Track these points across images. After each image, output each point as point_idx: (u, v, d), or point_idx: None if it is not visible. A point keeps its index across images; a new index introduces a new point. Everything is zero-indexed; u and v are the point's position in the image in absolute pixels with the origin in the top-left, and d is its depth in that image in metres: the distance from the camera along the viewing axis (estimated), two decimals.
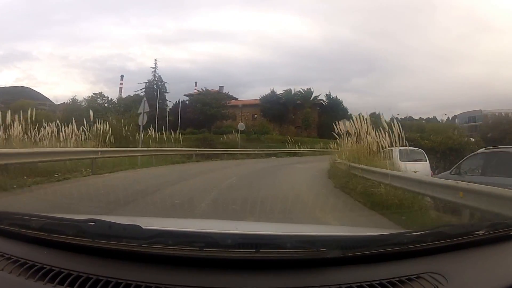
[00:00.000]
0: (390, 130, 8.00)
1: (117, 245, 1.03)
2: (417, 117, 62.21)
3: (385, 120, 8.70)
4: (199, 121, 40.55)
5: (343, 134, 11.16)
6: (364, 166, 7.67)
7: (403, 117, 47.08)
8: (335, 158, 11.99)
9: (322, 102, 48.99)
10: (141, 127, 14.46)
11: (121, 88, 48.59)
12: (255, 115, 47.44)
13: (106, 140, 12.14)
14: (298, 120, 46.44)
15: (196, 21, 75.10)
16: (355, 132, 9.69)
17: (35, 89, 52.13)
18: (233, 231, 1.29)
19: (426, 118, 69.90)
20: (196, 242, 1.02)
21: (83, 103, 40.22)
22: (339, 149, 12.10)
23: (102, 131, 12.51)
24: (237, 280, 0.99)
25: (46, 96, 48.01)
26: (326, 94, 49.63)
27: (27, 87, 50.79)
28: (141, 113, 14.28)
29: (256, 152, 24.82)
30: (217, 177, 10.05)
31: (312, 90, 48.96)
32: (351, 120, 10.25)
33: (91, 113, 13.42)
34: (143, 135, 15.05)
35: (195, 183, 8.58)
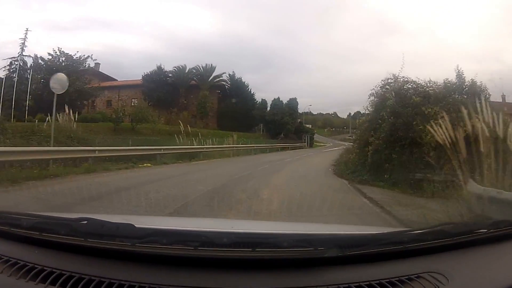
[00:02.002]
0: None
1: (110, 244, 1.02)
2: (316, 113, 66.15)
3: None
4: (44, 102, 23.99)
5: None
6: None
7: (300, 112, 43.62)
8: None
9: (224, 84, 39.49)
10: None
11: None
12: (135, 100, 34.27)
13: None
14: (192, 106, 36.27)
15: (94, 8, 69.76)
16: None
17: None
18: (228, 230, 1.28)
19: (325, 114, 75.64)
20: (190, 241, 1.00)
21: None
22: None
23: None
24: (233, 280, 0.97)
25: None
26: (229, 75, 39.49)
27: None
28: None
29: (99, 153, 10.65)
30: None
31: (213, 66, 38.23)
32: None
33: None
34: None
35: None
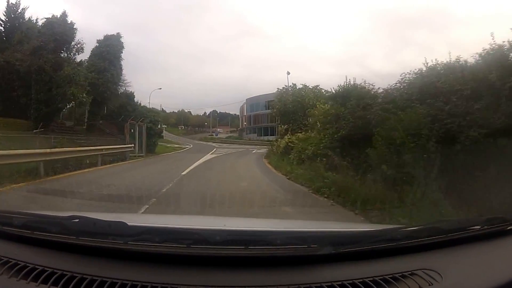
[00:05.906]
0: None
1: (102, 242, 1.01)
2: (169, 111, 64.77)
3: None
4: None
5: None
6: None
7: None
8: None
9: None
10: None
11: None
12: None
13: None
14: None
15: None
16: None
17: None
18: (221, 228, 1.28)
19: (179, 111, 74.58)
20: (183, 239, 1.00)
21: None
22: None
23: None
24: (226, 278, 0.96)
25: None
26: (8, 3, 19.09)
27: None
28: None
29: None
30: None
31: None
32: None
33: None
34: None
35: None
